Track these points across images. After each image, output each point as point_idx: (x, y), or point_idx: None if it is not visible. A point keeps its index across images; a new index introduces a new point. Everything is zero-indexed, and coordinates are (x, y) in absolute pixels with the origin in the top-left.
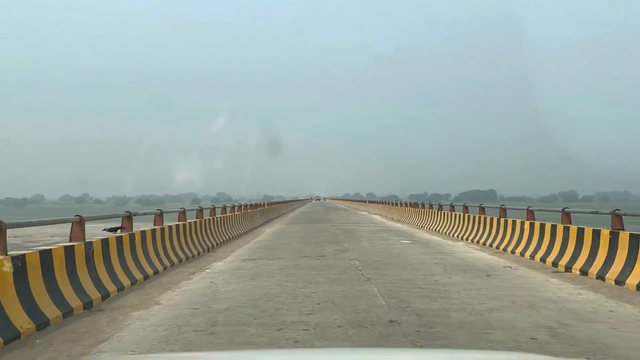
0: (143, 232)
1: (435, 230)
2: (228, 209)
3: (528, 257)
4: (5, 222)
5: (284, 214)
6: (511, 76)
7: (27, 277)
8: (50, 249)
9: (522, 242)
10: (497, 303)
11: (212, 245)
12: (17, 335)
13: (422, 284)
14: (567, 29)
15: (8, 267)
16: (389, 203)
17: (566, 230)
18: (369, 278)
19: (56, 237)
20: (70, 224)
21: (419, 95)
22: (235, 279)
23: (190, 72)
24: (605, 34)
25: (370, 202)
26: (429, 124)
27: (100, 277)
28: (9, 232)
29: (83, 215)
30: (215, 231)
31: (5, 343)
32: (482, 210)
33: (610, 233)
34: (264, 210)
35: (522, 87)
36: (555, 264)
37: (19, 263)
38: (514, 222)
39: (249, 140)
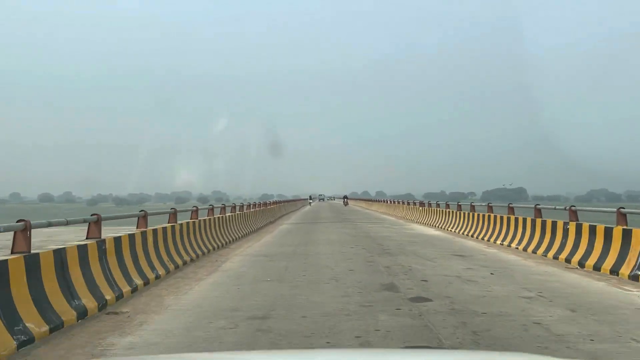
0: None
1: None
2: None
3: None
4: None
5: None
6: (526, 79)
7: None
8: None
9: None
10: None
11: None
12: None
13: None
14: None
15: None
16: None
17: None
18: None
19: None
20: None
21: (423, 96)
22: None
23: (189, 73)
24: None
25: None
26: (434, 125)
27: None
28: None
29: None
30: None
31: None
32: (572, 213)
33: None
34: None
35: (536, 91)
36: None
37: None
38: None
39: (249, 138)
